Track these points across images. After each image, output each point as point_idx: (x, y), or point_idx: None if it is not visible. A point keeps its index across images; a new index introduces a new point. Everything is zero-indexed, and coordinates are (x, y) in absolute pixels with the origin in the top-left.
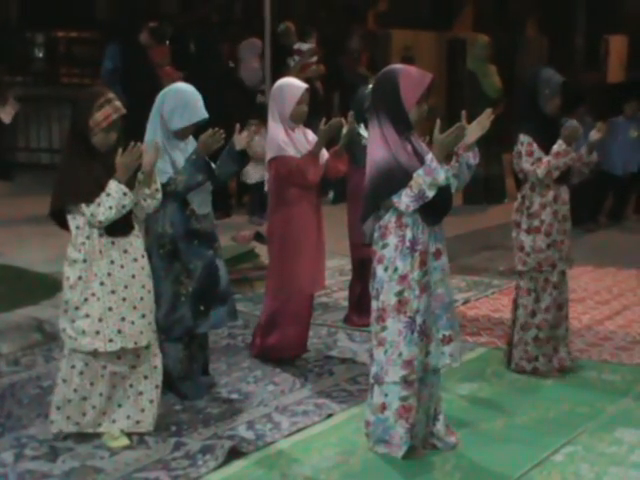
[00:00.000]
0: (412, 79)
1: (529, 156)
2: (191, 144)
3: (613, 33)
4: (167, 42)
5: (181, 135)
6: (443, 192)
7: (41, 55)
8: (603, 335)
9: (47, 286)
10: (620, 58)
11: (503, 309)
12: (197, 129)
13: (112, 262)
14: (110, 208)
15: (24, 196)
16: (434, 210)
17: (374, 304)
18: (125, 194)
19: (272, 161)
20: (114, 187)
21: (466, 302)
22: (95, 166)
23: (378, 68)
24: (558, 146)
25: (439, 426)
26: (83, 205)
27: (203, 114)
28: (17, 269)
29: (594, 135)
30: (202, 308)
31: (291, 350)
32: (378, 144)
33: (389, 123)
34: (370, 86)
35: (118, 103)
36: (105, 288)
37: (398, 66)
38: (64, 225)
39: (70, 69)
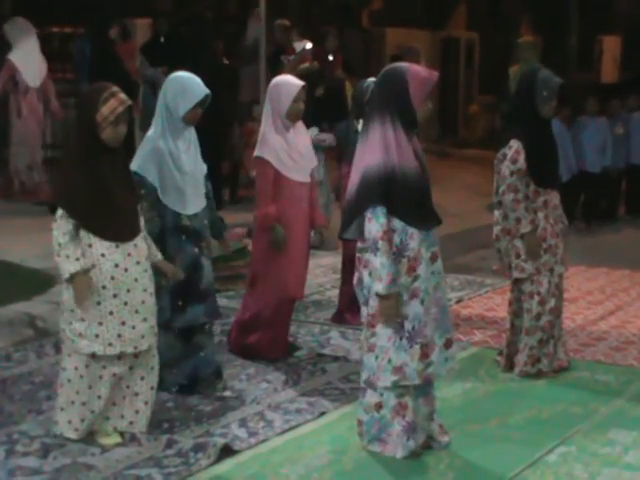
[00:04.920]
0: (420, 77)
1: (512, 163)
2: (193, 135)
3: (607, 33)
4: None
5: (190, 119)
6: (414, 193)
7: None
8: (596, 335)
9: (40, 282)
10: (614, 58)
11: (496, 308)
12: (204, 117)
13: (116, 265)
14: (67, 257)
15: None
16: (416, 214)
17: (363, 310)
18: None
19: (255, 159)
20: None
21: (459, 301)
22: (100, 165)
23: (353, 70)
24: (523, 227)
25: (433, 426)
26: (66, 217)
27: (204, 90)
28: (9, 264)
29: None
30: (180, 303)
31: (267, 352)
32: (375, 148)
33: (398, 122)
34: (370, 80)
35: (123, 95)
36: (107, 292)
37: (404, 64)
38: None
39: (63, 65)
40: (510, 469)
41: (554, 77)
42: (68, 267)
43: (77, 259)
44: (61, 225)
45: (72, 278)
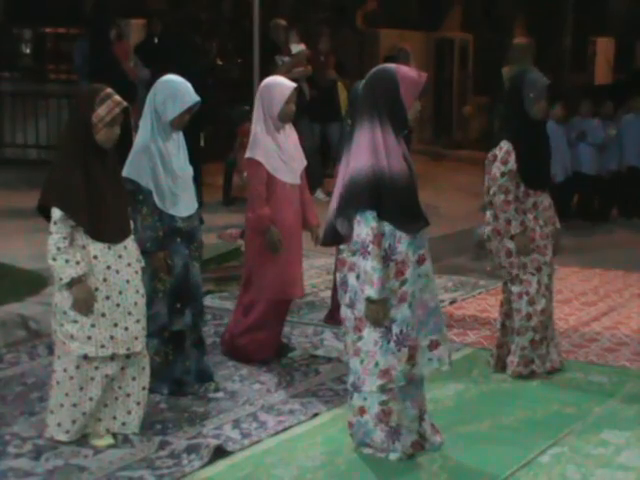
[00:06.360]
0: (409, 78)
1: (503, 164)
2: (181, 137)
3: (600, 35)
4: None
5: (177, 124)
6: (402, 196)
7: (28, 51)
8: (589, 336)
9: (32, 283)
10: (607, 60)
11: (490, 309)
12: (191, 119)
13: (108, 267)
14: (67, 261)
15: (10, 192)
16: (404, 217)
17: (348, 313)
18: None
19: (247, 160)
20: (76, 287)
21: (453, 302)
22: (93, 166)
23: (345, 71)
24: (513, 228)
25: (425, 426)
26: (64, 219)
27: (194, 98)
28: (2, 265)
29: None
30: (178, 305)
31: (259, 353)
32: (363, 151)
33: (388, 124)
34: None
35: (118, 97)
36: (100, 294)
37: (393, 65)
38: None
39: (57, 65)
40: (503, 470)
41: (542, 78)
42: (69, 271)
43: (77, 263)
44: (61, 228)
45: (72, 282)
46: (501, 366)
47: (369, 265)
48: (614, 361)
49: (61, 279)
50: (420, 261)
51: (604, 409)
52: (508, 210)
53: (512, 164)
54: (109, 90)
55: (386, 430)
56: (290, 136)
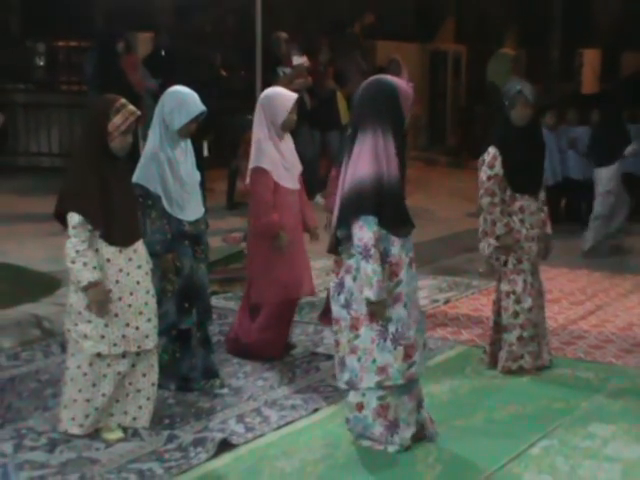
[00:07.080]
0: (404, 90)
1: (489, 168)
2: (189, 144)
3: (587, 47)
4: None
5: (184, 133)
6: (397, 202)
7: (42, 63)
8: (577, 334)
9: (46, 284)
10: (594, 70)
11: (482, 308)
12: (198, 128)
13: (120, 270)
14: (84, 265)
15: (25, 197)
16: (398, 221)
17: (343, 313)
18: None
19: (254, 169)
20: (93, 289)
21: (447, 302)
22: (107, 173)
23: (345, 82)
24: (498, 229)
25: (423, 413)
26: (83, 223)
27: (200, 107)
28: (17, 267)
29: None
30: (186, 305)
31: (266, 352)
32: (367, 158)
33: (389, 133)
34: None
35: (132, 107)
36: (113, 296)
37: (389, 77)
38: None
39: (69, 77)
40: (495, 462)
41: (515, 86)
42: (87, 275)
43: (94, 267)
44: (79, 233)
45: (89, 285)
46: (494, 362)
47: (370, 268)
48: (601, 357)
49: (79, 282)
50: (410, 263)
51: (591, 404)
52: (493, 212)
53: (498, 168)
54: (123, 100)
55: (385, 424)
56: (287, 143)
